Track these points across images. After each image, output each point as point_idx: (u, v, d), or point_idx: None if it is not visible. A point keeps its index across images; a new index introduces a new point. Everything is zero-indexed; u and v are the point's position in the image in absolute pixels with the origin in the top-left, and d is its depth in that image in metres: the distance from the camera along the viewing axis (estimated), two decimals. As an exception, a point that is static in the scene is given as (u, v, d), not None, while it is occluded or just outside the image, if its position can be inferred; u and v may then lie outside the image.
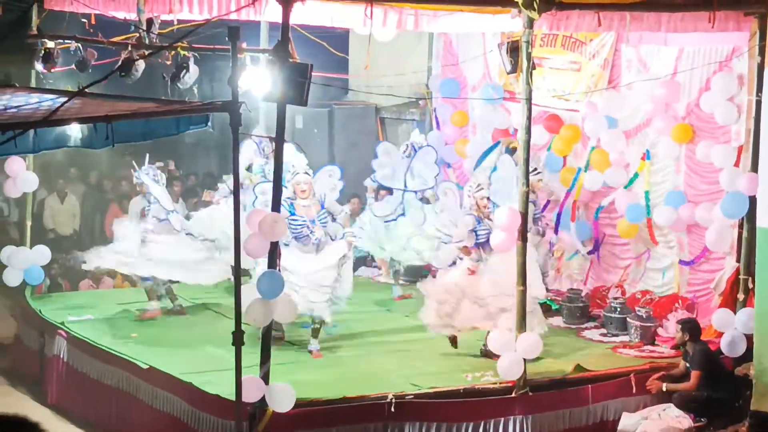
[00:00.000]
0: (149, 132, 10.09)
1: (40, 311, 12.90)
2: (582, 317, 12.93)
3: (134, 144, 11.63)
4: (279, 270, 9.74)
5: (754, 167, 10.99)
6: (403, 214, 13.75)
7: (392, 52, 14.48)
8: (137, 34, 11.22)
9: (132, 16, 11.34)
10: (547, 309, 12.78)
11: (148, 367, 10.87)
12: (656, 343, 12.02)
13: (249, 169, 12.61)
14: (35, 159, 12.99)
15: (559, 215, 13.80)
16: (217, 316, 12.81)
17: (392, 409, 9.89)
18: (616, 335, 12.33)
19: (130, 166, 12.77)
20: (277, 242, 9.32)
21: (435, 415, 10.07)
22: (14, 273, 12.89)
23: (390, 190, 13.95)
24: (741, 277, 11.41)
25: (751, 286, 11.11)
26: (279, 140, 9.13)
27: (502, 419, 10.28)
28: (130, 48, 11.18)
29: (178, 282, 12.74)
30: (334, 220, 11.54)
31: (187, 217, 13.26)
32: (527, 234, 10.30)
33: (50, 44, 11.95)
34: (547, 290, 12.42)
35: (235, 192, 9.17)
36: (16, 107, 9.82)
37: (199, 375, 10.50)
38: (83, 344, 11.89)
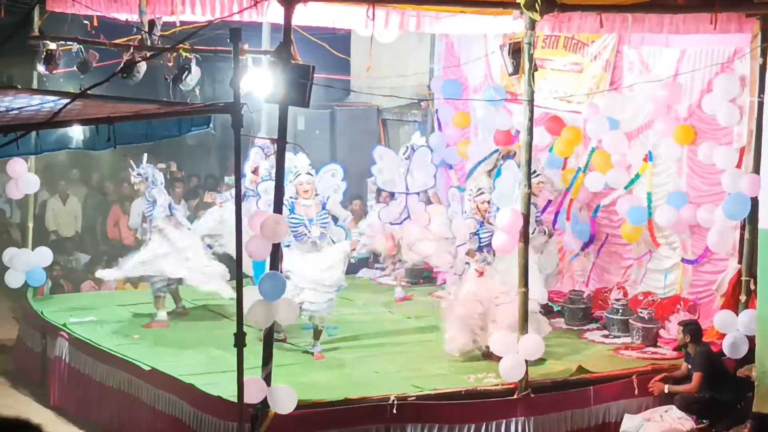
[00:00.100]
0: (151, 133, 10.09)
1: (42, 313, 12.91)
2: (584, 319, 12.93)
3: (136, 146, 11.63)
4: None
5: (756, 169, 10.98)
6: (408, 218, 13.76)
7: (394, 53, 14.48)
8: (139, 36, 11.23)
9: (134, 17, 11.34)
10: (549, 310, 12.80)
11: (150, 368, 10.87)
12: (658, 344, 12.01)
13: (255, 172, 12.57)
14: (37, 161, 13.00)
15: (557, 215, 13.81)
16: (219, 317, 12.81)
17: (394, 411, 9.88)
18: (618, 337, 12.33)
19: (131, 167, 12.74)
20: (279, 244, 9.32)
21: (437, 417, 10.06)
22: (16, 275, 12.89)
23: (392, 194, 13.96)
24: (743, 278, 11.41)
25: (753, 287, 11.09)
26: (281, 142, 9.13)
27: (504, 421, 10.27)
28: (132, 50, 11.19)
29: (181, 280, 12.69)
30: (336, 221, 11.53)
31: (189, 219, 13.27)
32: (529, 236, 10.31)
33: (52, 46, 11.96)
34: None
35: (237, 193, 9.16)
36: (18, 109, 9.83)
37: (201, 376, 10.50)
38: (85, 346, 11.89)
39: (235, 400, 9.08)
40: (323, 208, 11.38)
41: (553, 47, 13.81)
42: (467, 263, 11.43)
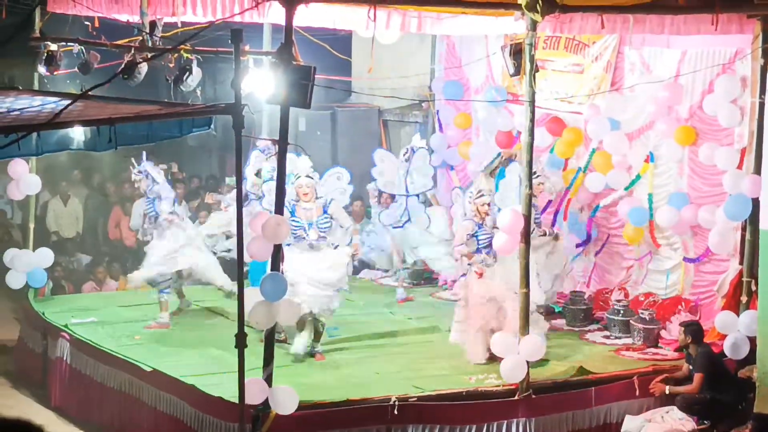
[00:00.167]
0: (152, 135, 10.10)
1: (43, 314, 12.91)
2: (585, 320, 12.92)
3: (137, 147, 11.63)
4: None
5: (757, 169, 10.98)
6: (409, 220, 13.76)
7: (395, 54, 14.48)
8: (140, 37, 11.22)
9: (135, 18, 11.34)
10: (550, 311, 12.80)
11: (151, 369, 10.87)
12: (659, 345, 12.01)
13: (258, 174, 12.55)
14: (38, 162, 13.01)
15: (556, 214, 13.81)
16: (220, 318, 12.81)
17: (395, 412, 9.89)
18: (619, 338, 12.32)
19: (132, 165, 12.73)
20: (280, 245, 9.32)
21: (438, 418, 10.07)
22: (17, 275, 12.91)
23: (393, 197, 13.96)
24: (744, 279, 11.41)
25: (754, 288, 11.09)
26: (282, 143, 9.14)
27: (505, 422, 10.28)
28: (133, 51, 11.19)
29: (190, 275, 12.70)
30: (340, 225, 11.49)
31: (190, 219, 13.27)
32: (530, 236, 10.32)
33: (53, 47, 11.96)
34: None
35: (238, 193, 9.16)
36: (19, 110, 9.82)
37: (203, 377, 10.50)
38: (86, 347, 11.89)
39: (237, 401, 9.08)
40: (325, 212, 11.35)
41: (554, 48, 13.81)
42: (469, 264, 11.43)
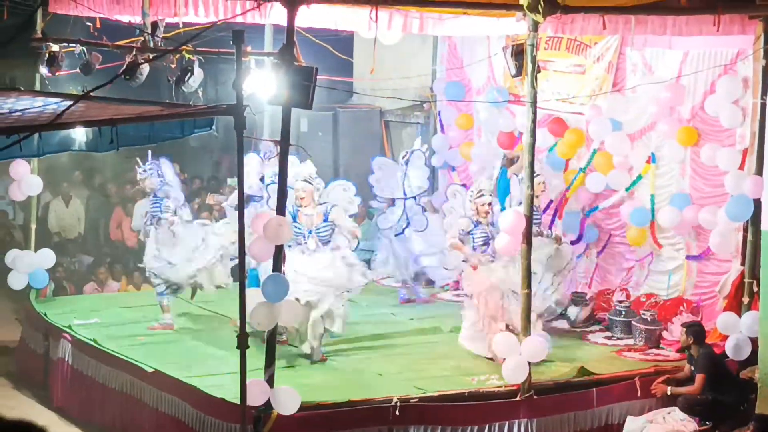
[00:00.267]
0: (154, 135, 10.11)
1: (45, 315, 12.91)
2: (587, 320, 12.92)
3: (139, 147, 11.63)
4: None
5: (759, 170, 10.98)
6: (408, 225, 13.73)
7: (397, 55, 14.46)
8: (142, 38, 11.23)
9: (137, 19, 11.34)
10: (551, 312, 12.79)
11: (153, 370, 10.87)
12: (661, 346, 12.00)
13: (262, 180, 12.44)
14: (40, 162, 13.01)
15: (554, 215, 13.80)
16: (222, 319, 12.80)
17: (397, 413, 9.89)
18: (621, 338, 12.32)
19: (134, 169, 12.70)
20: (281, 246, 9.32)
21: (440, 419, 10.06)
22: (19, 276, 12.91)
23: (393, 202, 13.94)
24: (746, 280, 11.40)
25: (756, 289, 11.09)
26: (284, 143, 9.14)
27: (507, 423, 10.27)
28: (134, 51, 11.19)
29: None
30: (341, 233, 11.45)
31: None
32: (531, 237, 10.31)
33: (55, 48, 11.96)
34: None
35: (240, 194, 9.16)
36: (21, 111, 9.83)
37: (204, 378, 10.50)
38: (88, 348, 11.89)
39: (238, 402, 9.08)
40: (326, 219, 11.30)
41: (556, 49, 13.80)
42: (464, 261, 11.44)
